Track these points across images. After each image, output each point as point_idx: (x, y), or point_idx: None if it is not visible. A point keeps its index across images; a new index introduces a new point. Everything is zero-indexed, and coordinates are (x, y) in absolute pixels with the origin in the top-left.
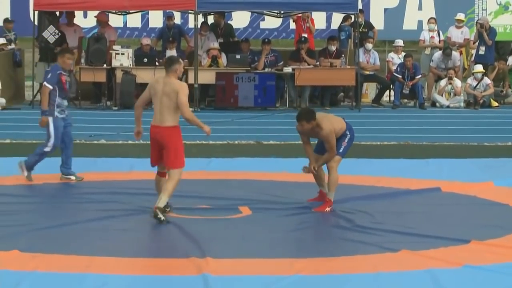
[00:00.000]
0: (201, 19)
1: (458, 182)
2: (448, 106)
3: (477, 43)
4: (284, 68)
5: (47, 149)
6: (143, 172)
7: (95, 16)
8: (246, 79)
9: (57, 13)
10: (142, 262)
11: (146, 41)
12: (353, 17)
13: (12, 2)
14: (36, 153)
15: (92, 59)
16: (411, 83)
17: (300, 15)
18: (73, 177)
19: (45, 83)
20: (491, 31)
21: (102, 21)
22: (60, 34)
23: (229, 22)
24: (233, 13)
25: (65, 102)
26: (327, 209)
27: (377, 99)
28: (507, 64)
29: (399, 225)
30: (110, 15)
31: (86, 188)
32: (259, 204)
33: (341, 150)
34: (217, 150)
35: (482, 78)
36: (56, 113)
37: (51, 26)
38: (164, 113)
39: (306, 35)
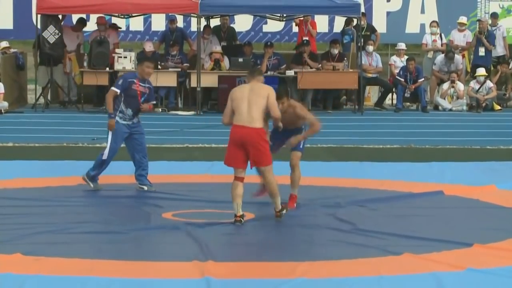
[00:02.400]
0: (203, 22)
1: (461, 185)
2: (450, 110)
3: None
4: (287, 71)
5: (104, 156)
6: None
7: (96, 23)
8: None
9: (60, 16)
10: (145, 265)
11: (149, 47)
12: (355, 20)
13: (15, 5)
14: (97, 163)
15: (94, 62)
16: (413, 87)
17: (302, 18)
18: (145, 187)
19: (112, 87)
20: (490, 35)
21: (102, 24)
22: (60, 34)
23: (231, 25)
24: (235, 17)
25: (130, 111)
26: (295, 204)
27: (380, 102)
28: (510, 67)
29: (401, 228)
30: (113, 18)
31: (89, 191)
32: (262, 208)
33: (301, 146)
34: (219, 153)
35: (484, 82)
36: (117, 118)
37: (51, 26)
38: (253, 114)
39: (307, 38)
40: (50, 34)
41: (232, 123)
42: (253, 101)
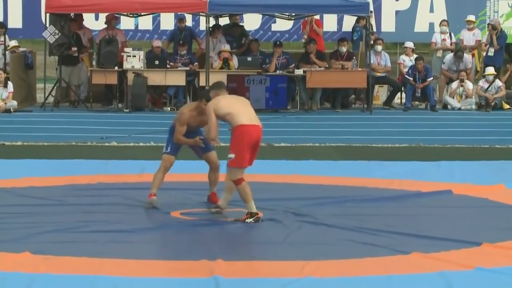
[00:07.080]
0: (212, 21)
1: (469, 184)
2: (459, 109)
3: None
4: (296, 70)
5: None
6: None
7: (105, 23)
8: (258, 81)
9: (72, 15)
10: (153, 264)
11: (157, 43)
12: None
13: (24, 4)
14: None
15: (103, 61)
16: (422, 86)
17: (307, 18)
18: None
19: None
20: (502, 35)
21: (113, 20)
22: (59, 34)
23: (240, 24)
24: (244, 16)
25: None
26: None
27: (389, 101)
28: None
29: (410, 227)
30: (122, 17)
31: (98, 190)
32: (270, 207)
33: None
34: (227, 152)
35: (493, 81)
36: None
37: (51, 26)
38: (254, 114)
39: (312, 37)
40: (50, 34)
41: (241, 124)
42: (245, 104)
